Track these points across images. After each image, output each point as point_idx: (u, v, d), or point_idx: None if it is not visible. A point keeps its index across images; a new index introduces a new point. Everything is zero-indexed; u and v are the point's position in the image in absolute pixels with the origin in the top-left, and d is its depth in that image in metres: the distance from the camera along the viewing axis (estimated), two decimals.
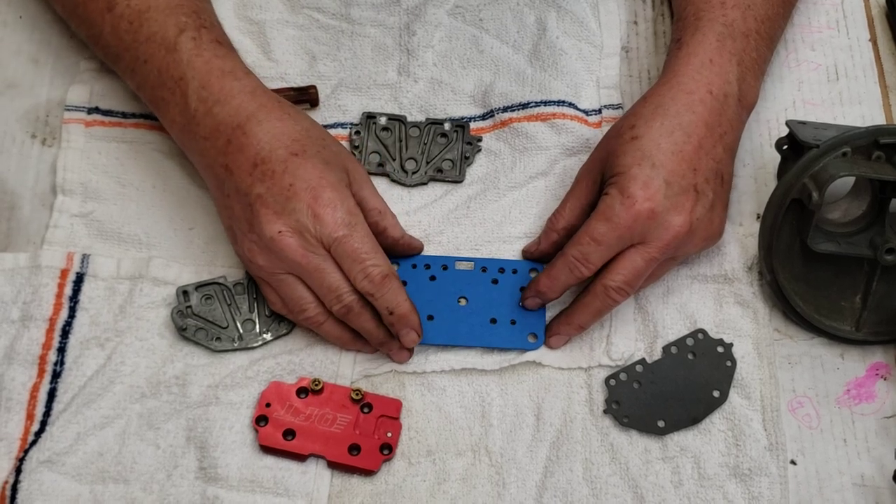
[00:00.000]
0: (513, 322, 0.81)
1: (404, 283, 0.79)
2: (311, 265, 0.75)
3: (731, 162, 0.82)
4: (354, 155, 0.88)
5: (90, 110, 0.89)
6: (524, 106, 0.89)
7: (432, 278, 0.83)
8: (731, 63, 0.82)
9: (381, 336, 0.78)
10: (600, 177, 0.80)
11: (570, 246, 0.77)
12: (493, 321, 0.81)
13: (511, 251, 0.85)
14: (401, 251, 0.82)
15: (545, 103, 0.89)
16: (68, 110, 0.88)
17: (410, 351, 0.80)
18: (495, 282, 0.82)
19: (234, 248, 0.80)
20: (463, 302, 0.82)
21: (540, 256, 0.83)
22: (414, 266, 0.83)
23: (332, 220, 0.75)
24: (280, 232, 0.74)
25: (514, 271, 0.83)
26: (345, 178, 0.78)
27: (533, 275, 0.82)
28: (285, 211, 0.75)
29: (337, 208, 0.75)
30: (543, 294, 0.79)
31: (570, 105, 0.89)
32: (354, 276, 0.75)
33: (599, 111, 0.90)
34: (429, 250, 0.85)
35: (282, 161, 0.76)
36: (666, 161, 0.77)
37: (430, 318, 0.81)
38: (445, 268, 0.83)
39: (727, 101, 0.81)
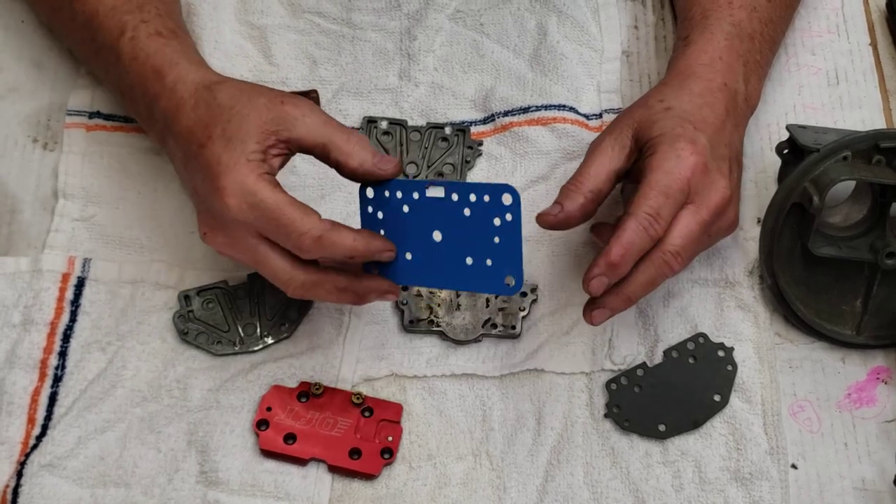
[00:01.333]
0: (488, 262, 0.70)
1: (379, 216, 0.74)
2: (246, 258, 0.73)
3: (742, 155, 0.81)
4: None
5: (91, 115, 0.89)
6: (525, 110, 0.90)
7: (407, 208, 0.73)
8: (739, 63, 0.82)
9: (349, 298, 0.74)
10: (631, 143, 0.76)
11: (638, 204, 0.72)
12: (469, 260, 0.71)
13: None
14: (367, 179, 0.74)
15: (546, 107, 0.90)
16: (69, 115, 0.88)
17: (395, 291, 0.75)
18: (468, 212, 0.71)
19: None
20: (438, 236, 0.72)
21: (562, 222, 0.74)
22: (386, 194, 0.74)
23: (238, 209, 0.70)
24: (205, 233, 0.74)
25: (487, 199, 0.69)
26: (249, 145, 0.71)
27: (508, 201, 0.68)
28: (202, 209, 0.74)
29: (236, 194, 0.70)
30: (616, 267, 0.71)
31: (571, 109, 0.90)
32: (295, 251, 0.71)
33: (600, 115, 0.90)
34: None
35: (194, 156, 0.73)
36: (704, 126, 0.76)
37: (408, 256, 0.74)
38: (418, 196, 0.73)
39: (737, 97, 0.80)
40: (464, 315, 0.82)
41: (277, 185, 0.71)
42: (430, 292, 0.82)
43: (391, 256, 0.73)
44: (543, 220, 0.74)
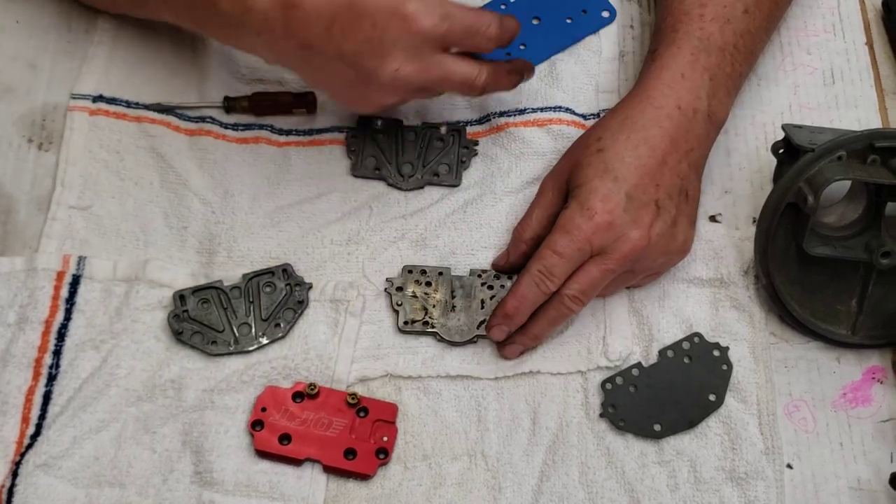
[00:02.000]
0: (583, 12, 0.93)
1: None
2: (436, 77, 0.77)
3: (697, 178, 0.82)
4: (351, 159, 0.88)
5: (95, 98, 0.89)
6: (521, 112, 0.90)
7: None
8: (704, 78, 0.82)
9: (516, 79, 0.83)
10: (565, 186, 0.81)
11: (534, 261, 0.77)
12: (569, 20, 0.92)
13: None
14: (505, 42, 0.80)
15: (542, 109, 0.90)
16: (74, 98, 0.88)
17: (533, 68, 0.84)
18: None
19: (353, 108, 0.85)
20: (536, 22, 0.92)
21: (509, 269, 0.83)
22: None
23: (432, 24, 0.75)
24: (397, 69, 0.75)
25: None
26: None
27: None
28: (385, 48, 0.75)
29: (427, 10, 0.74)
30: (511, 318, 0.78)
31: (568, 110, 0.90)
32: (483, 46, 0.78)
33: (598, 115, 0.90)
34: (425, 254, 0.85)
35: (346, 7, 0.74)
36: (628, 175, 0.78)
37: (522, 48, 0.91)
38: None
39: (696, 116, 0.81)
40: (458, 316, 0.82)
41: None
42: (426, 294, 0.83)
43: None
44: (495, 264, 0.84)
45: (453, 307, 0.82)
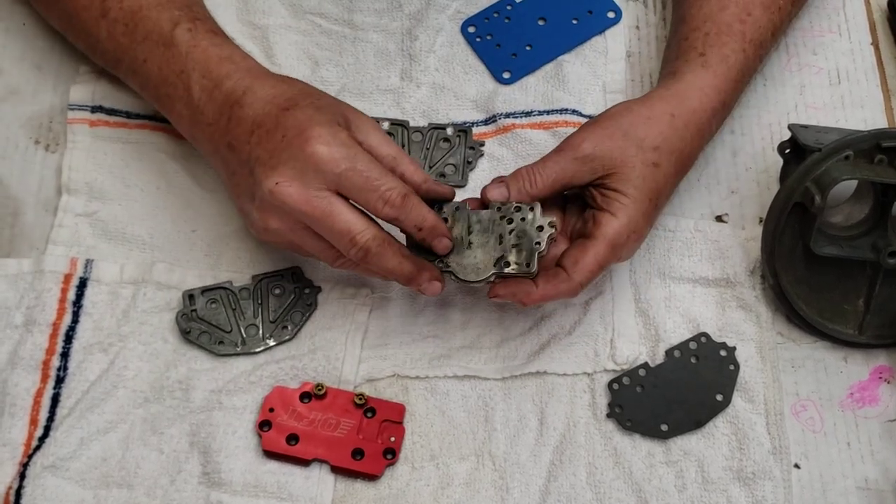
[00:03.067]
0: (589, 13, 0.93)
1: (488, 38, 0.89)
2: (316, 210, 0.72)
3: None
4: None
5: (94, 109, 0.89)
6: (527, 114, 0.90)
7: (507, 19, 0.93)
8: (731, 105, 0.84)
9: (409, 269, 0.75)
10: (601, 170, 0.77)
11: (579, 271, 0.75)
12: (574, 21, 0.92)
13: None
14: (425, 198, 0.76)
15: (548, 112, 0.90)
16: (72, 109, 0.88)
17: (441, 282, 0.76)
18: None
19: (251, 231, 0.78)
20: (542, 22, 0.92)
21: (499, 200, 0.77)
22: (486, 20, 0.93)
23: (330, 157, 0.71)
24: (277, 183, 0.72)
25: None
26: (340, 120, 0.75)
27: None
28: (280, 162, 0.72)
29: (331, 144, 0.72)
30: (522, 304, 0.76)
31: (574, 112, 0.90)
32: (374, 205, 0.73)
33: None
34: None
35: (273, 118, 0.74)
36: (664, 203, 0.79)
37: (528, 48, 0.91)
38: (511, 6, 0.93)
39: (706, 140, 0.83)
40: (475, 253, 0.77)
41: None
42: (438, 234, 0.78)
43: (446, 248, 0.75)
44: (488, 194, 0.77)
45: (469, 244, 0.77)
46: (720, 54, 0.82)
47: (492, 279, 0.75)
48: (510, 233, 0.76)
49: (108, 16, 0.82)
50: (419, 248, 0.76)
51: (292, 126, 0.73)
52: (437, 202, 0.77)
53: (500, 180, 0.77)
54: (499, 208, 0.76)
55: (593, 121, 0.79)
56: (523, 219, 0.75)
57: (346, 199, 0.73)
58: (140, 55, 0.81)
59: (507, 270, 0.75)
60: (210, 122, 0.77)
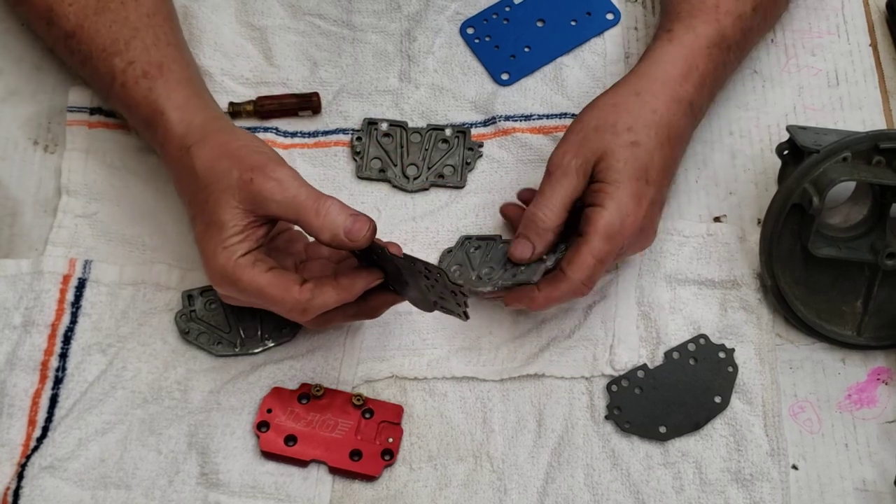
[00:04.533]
0: (588, 14, 0.92)
1: (486, 39, 0.91)
2: (240, 299, 0.74)
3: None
4: (356, 161, 0.88)
5: (92, 111, 0.89)
6: (527, 117, 0.90)
7: (506, 20, 0.93)
8: (710, 75, 0.82)
9: (368, 307, 0.77)
10: (591, 169, 0.77)
11: (576, 269, 0.75)
12: (573, 22, 0.92)
13: None
14: (341, 249, 0.74)
15: (547, 116, 0.90)
16: (70, 111, 0.88)
17: (400, 300, 0.78)
18: None
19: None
20: (540, 24, 0.92)
21: (535, 258, 0.78)
22: (484, 22, 0.93)
23: (225, 292, 0.74)
24: (207, 275, 0.75)
25: None
26: (226, 230, 0.73)
27: None
28: (203, 258, 0.75)
29: (220, 281, 0.73)
30: (531, 309, 0.78)
31: (573, 116, 0.89)
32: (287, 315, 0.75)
33: None
34: (438, 258, 0.85)
35: (190, 221, 0.76)
36: (657, 176, 0.78)
37: (527, 49, 0.92)
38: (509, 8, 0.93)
39: (695, 112, 0.82)
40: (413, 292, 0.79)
41: (258, 261, 0.73)
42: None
43: (373, 283, 0.75)
44: (519, 259, 0.77)
45: (406, 283, 0.77)
46: (687, 26, 0.82)
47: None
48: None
49: (73, 57, 0.84)
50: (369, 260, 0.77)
51: (197, 243, 0.75)
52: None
53: (519, 235, 0.77)
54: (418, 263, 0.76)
55: (569, 130, 0.80)
56: (437, 280, 0.73)
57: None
58: (109, 103, 0.85)
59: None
60: (168, 163, 0.79)
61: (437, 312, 0.76)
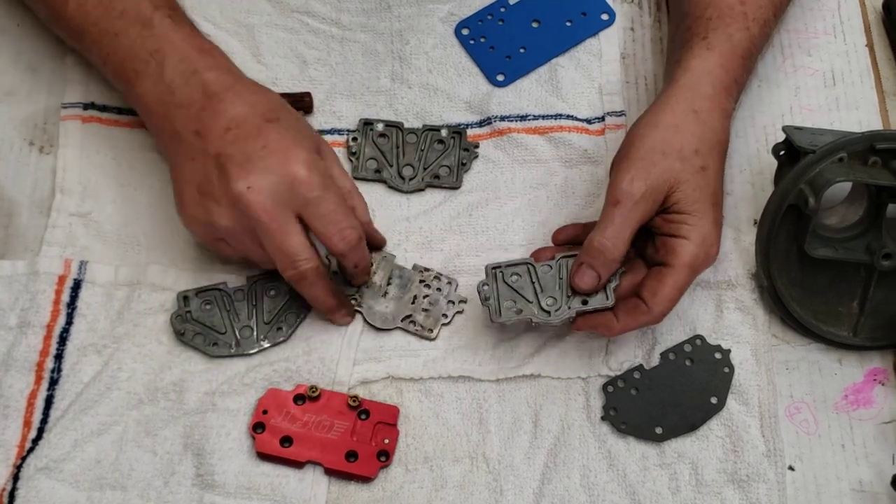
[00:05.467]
0: (583, 14, 0.93)
1: (482, 40, 0.91)
2: (274, 225, 0.74)
3: None
4: (351, 161, 0.88)
5: (86, 106, 0.89)
6: (522, 118, 0.90)
7: (501, 21, 0.93)
8: (743, 84, 0.83)
9: (332, 304, 0.80)
10: (662, 198, 0.76)
11: (659, 303, 0.75)
12: (568, 23, 0.92)
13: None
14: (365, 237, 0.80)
15: (543, 117, 0.90)
16: (65, 108, 0.88)
17: (352, 317, 0.82)
18: None
19: (184, 212, 0.78)
20: (535, 25, 0.92)
21: (598, 287, 0.77)
22: (479, 22, 0.93)
23: (308, 181, 0.75)
24: (249, 188, 0.74)
25: None
26: (315, 148, 0.79)
27: None
28: (256, 169, 0.74)
29: (312, 170, 0.75)
30: (606, 336, 0.79)
31: (569, 117, 0.90)
32: (330, 237, 0.76)
33: (602, 118, 0.90)
34: (431, 258, 0.85)
35: (256, 126, 0.76)
36: (721, 196, 0.79)
37: (522, 51, 0.91)
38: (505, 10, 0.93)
39: (732, 115, 0.82)
40: (388, 303, 0.82)
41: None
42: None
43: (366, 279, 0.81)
44: (585, 289, 0.76)
45: (385, 293, 0.83)
46: (724, 34, 0.81)
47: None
48: (424, 297, 0.83)
49: None
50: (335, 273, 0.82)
51: (275, 140, 0.76)
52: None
53: (581, 264, 0.76)
54: (421, 272, 0.83)
55: (628, 154, 0.77)
56: (439, 289, 0.83)
57: (301, 223, 0.75)
58: (112, 29, 0.81)
59: (410, 328, 0.81)
60: (179, 105, 0.78)
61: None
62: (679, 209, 0.76)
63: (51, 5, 0.83)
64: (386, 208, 0.87)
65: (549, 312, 0.77)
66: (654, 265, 0.77)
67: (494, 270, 0.78)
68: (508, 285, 0.78)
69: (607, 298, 0.76)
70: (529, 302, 0.77)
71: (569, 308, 0.77)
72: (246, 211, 0.74)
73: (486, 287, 0.77)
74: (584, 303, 0.77)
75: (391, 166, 0.88)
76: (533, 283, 0.78)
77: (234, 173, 0.74)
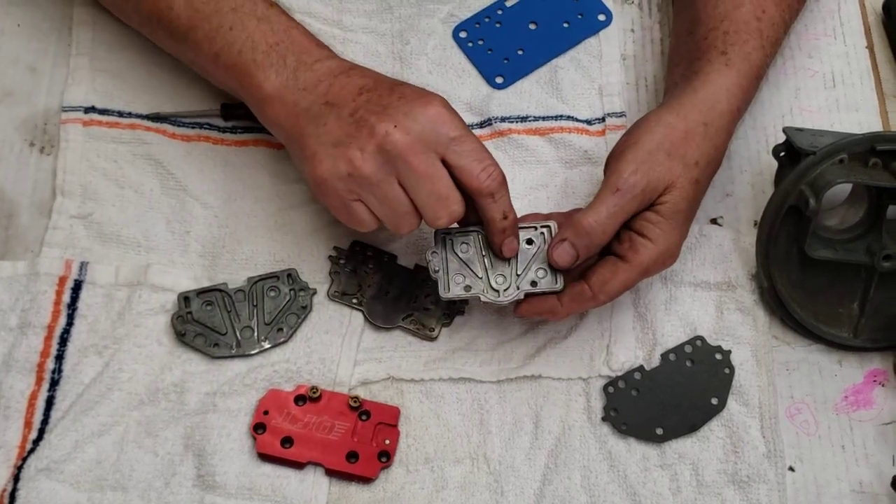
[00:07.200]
0: (579, 16, 0.93)
1: (480, 43, 0.91)
2: (422, 167, 0.73)
3: None
4: None
5: (87, 109, 0.89)
6: (523, 119, 0.90)
7: (499, 24, 0.93)
8: (752, 102, 0.83)
9: (502, 225, 0.76)
10: (655, 196, 0.76)
11: (606, 293, 0.75)
12: (566, 24, 0.92)
13: None
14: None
15: (543, 118, 0.90)
16: (66, 111, 0.88)
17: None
18: None
19: (319, 171, 0.75)
20: (533, 26, 0.92)
21: (574, 265, 0.77)
22: (477, 25, 0.93)
23: (451, 120, 0.74)
24: (395, 127, 0.73)
25: None
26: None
27: None
28: (398, 113, 0.74)
29: (450, 110, 0.75)
30: (550, 320, 0.80)
31: (569, 118, 0.90)
32: (477, 175, 0.74)
33: (602, 119, 0.90)
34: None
35: (387, 86, 0.76)
36: (693, 217, 0.79)
37: (520, 52, 0.91)
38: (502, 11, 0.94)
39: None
40: (389, 302, 0.82)
41: None
42: (365, 272, 0.83)
43: (512, 252, 0.77)
44: (561, 265, 0.76)
45: (387, 292, 0.82)
46: (742, 52, 0.81)
47: (392, 329, 0.80)
48: (426, 296, 0.82)
49: None
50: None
51: (410, 91, 0.75)
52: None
53: (564, 240, 0.76)
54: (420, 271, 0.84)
55: (632, 141, 0.77)
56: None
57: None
58: (225, 23, 0.80)
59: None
60: (304, 88, 0.77)
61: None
62: (660, 211, 0.76)
63: (155, 5, 0.82)
64: None
65: (498, 292, 0.77)
66: (608, 255, 0.77)
67: (444, 236, 0.78)
68: (458, 256, 0.77)
69: (556, 282, 0.76)
70: (479, 277, 0.77)
71: (518, 288, 0.76)
72: (393, 152, 0.73)
73: (435, 256, 0.77)
74: (534, 284, 0.76)
75: None
76: (483, 256, 0.77)
77: (375, 120, 0.73)
